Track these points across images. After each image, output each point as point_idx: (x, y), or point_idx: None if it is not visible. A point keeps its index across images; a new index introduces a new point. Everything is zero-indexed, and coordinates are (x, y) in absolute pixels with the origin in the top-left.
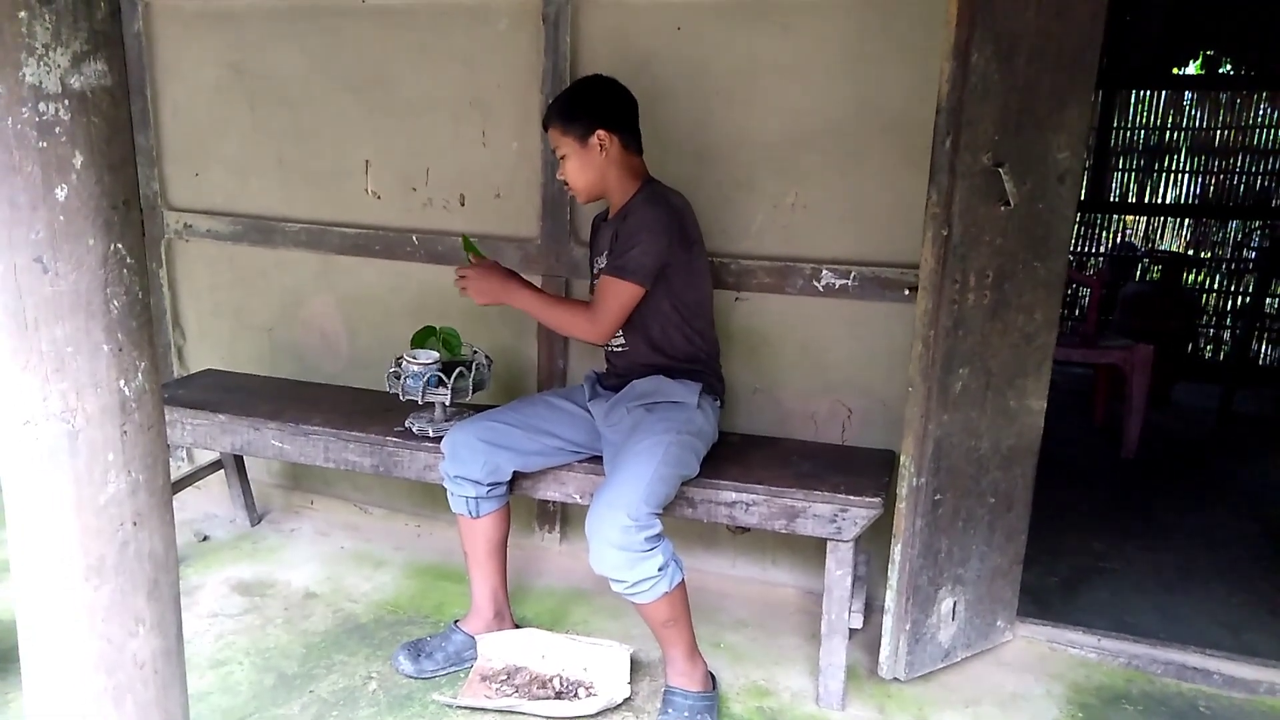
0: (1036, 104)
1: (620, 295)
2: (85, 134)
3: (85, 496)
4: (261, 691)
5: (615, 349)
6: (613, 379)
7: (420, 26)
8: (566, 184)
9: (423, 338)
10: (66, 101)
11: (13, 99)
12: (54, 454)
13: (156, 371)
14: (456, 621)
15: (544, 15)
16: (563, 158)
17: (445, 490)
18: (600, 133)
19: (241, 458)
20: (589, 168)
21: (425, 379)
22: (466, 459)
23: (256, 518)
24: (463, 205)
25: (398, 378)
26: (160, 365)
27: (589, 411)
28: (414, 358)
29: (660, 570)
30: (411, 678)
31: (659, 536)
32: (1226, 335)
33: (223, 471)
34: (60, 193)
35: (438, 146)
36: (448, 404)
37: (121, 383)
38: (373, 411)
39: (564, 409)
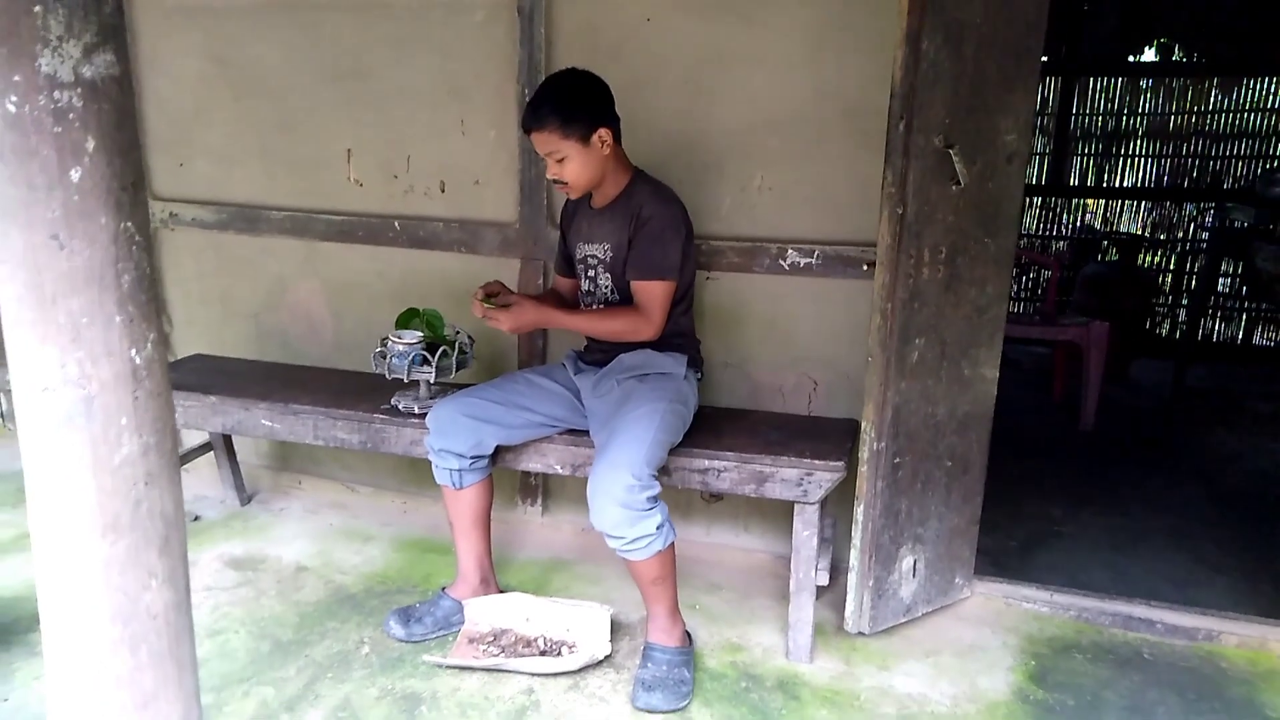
0: (985, 89)
1: (664, 294)
2: (96, 120)
3: (101, 458)
4: (258, 657)
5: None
6: (597, 354)
7: (398, 18)
8: (562, 184)
9: (407, 319)
10: (79, 90)
11: (30, 88)
12: (71, 418)
13: (164, 342)
14: (444, 588)
15: (519, 7)
16: (561, 160)
17: (430, 464)
18: (601, 130)
19: (230, 439)
20: (591, 166)
21: (410, 358)
22: (451, 433)
23: (246, 498)
24: (443, 192)
25: (384, 357)
26: None
27: (568, 388)
28: (399, 337)
29: (658, 529)
30: (402, 641)
31: (657, 497)
32: (1182, 314)
33: (212, 454)
34: (74, 174)
35: (417, 135)
36: (432, 382)
37: (133, 352)
38: (359, 391)
39: (544, 386)
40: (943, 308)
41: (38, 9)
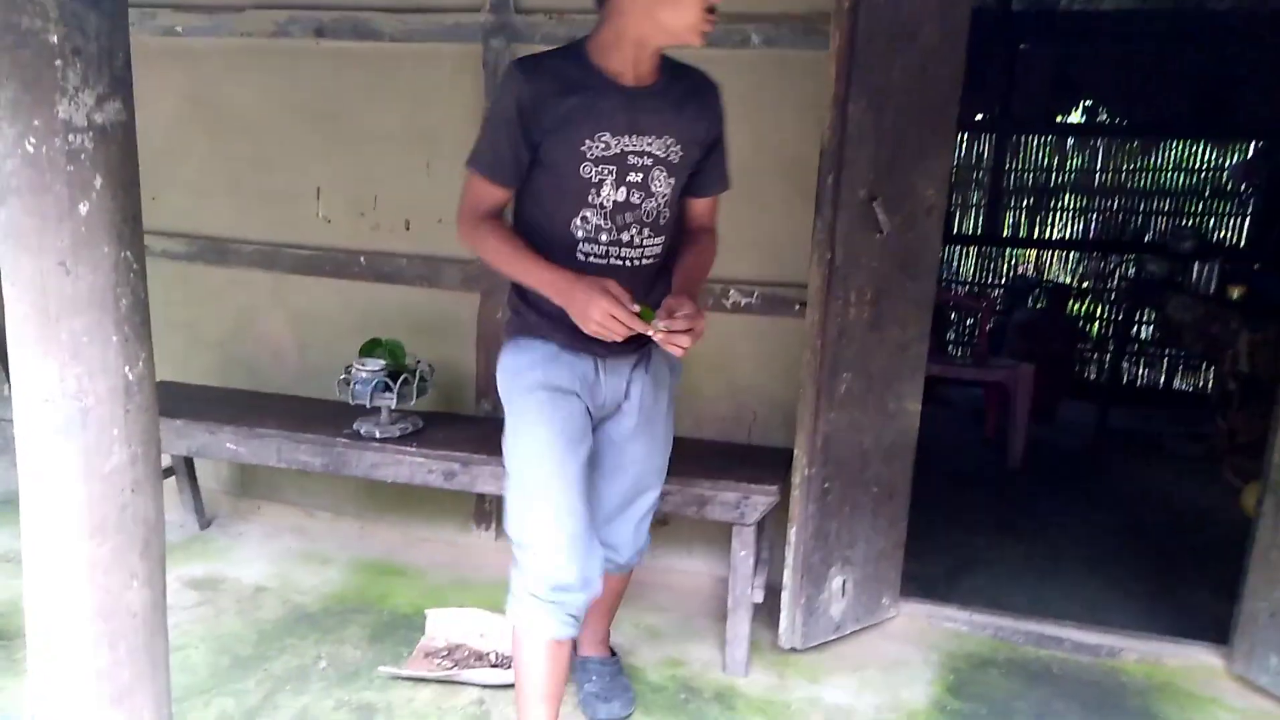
0: (905, 148)
1: None
2: (104, 160)
3: (93, 465)
4: (218, 671)
5: (646, 260)
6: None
7: (371, 67)
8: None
9: (370, 348)
10: (91, 133)
11: (48, 131)
12: (68, 428)
13: (153, 361)
14: None
15: (484, 60)
16: None
17: (513, 607)
18: None
19: (192, 464)
20: None
21: (373, 385)
22: (587, 553)
23: (205, 522)
24: (408, 229)
25: (348, 384)
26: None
27: (590, 395)
28: (363, 365)
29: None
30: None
31: None
32: (1108, 359)
33: (173, 478)
34: (83, 208)
35: (385, 175)
36: (393, 408)
37: (126, 369)
38: (322, 416)
39: (581, 405)
40: (868, 345)
41: (59, 62)
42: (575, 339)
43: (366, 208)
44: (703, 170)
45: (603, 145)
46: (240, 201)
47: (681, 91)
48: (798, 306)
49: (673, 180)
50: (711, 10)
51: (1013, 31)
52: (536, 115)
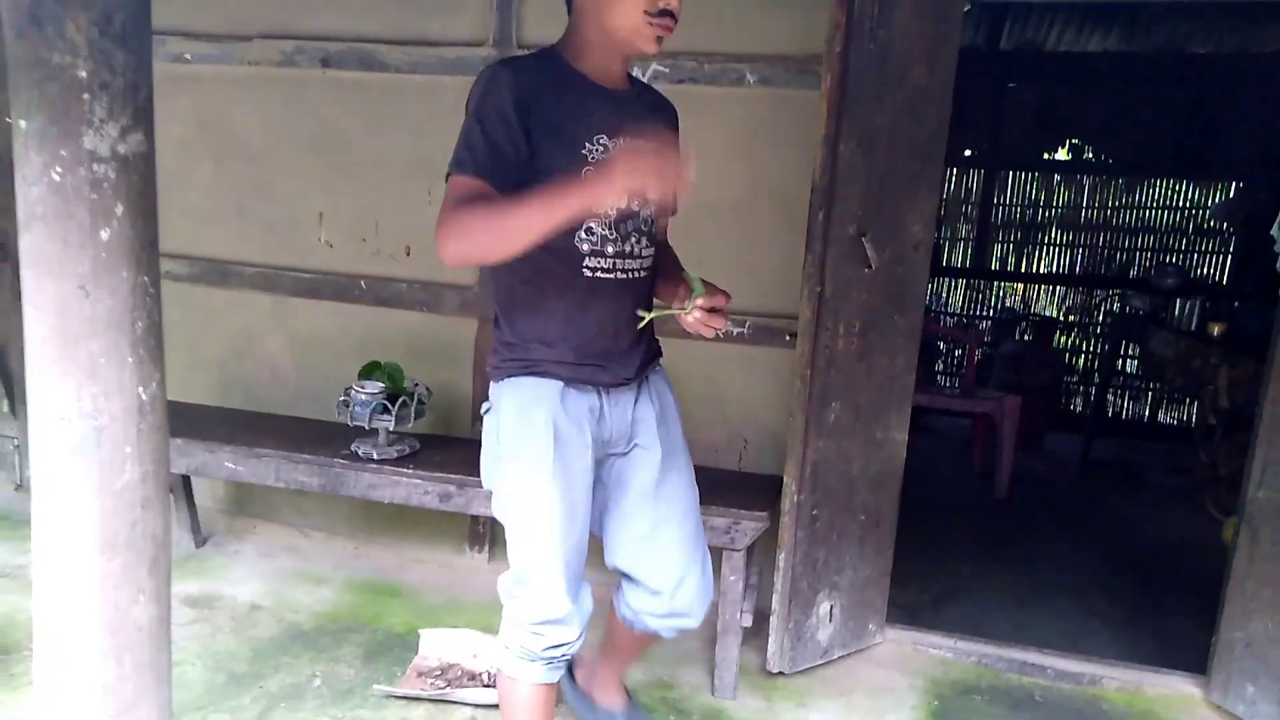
0: (894, 185)
1: None
2: (126, 189)
3: (106, 482)
4: (214, 688)
5: (644, 272)
6: (632, 365)
7: (375, 97)
8: (671, 21)
9: (369, 370)
10: (114, 163)
11: (73, 161)
12: (83, 445)
13: (165, 382)
14: None
15: None
16: None
17: (519, 656)
18: None
19: (189, 482)
20: None
21: (372, 407)
22: (581, 606)
23: (201, 540)
24: (408, 255)
25: (346, 405)
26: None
27: (594, 443)
28: (362, 387)
29: None
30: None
31: None
32: (1093, 391)
33: (169, 495)
34: (104, 234)
35: (387, 202)
36: (391, 429)
37: (140, 390)
38: (320, 437)
39: (587, 461)
40: (856, 376)
41: (86, 96)
42: (580, 371)
43: (368, 233)
44: None
45: (602, 148)
46: (243, 225)
47: (652, 100)
48: (788, 337)
49: None
50: (663, 15)
51: (1001, 70)
52: (533, 110)
